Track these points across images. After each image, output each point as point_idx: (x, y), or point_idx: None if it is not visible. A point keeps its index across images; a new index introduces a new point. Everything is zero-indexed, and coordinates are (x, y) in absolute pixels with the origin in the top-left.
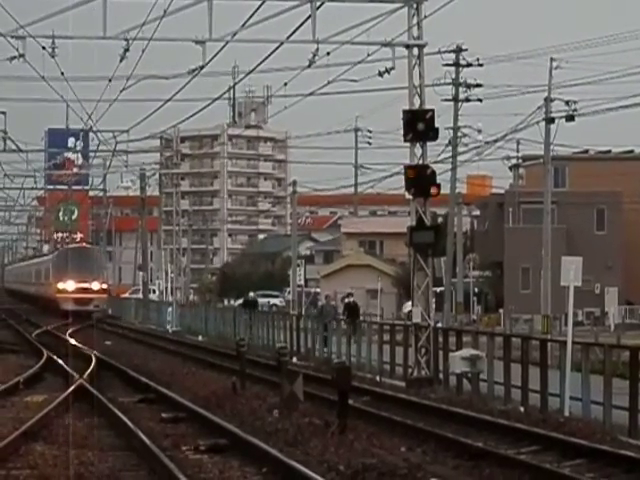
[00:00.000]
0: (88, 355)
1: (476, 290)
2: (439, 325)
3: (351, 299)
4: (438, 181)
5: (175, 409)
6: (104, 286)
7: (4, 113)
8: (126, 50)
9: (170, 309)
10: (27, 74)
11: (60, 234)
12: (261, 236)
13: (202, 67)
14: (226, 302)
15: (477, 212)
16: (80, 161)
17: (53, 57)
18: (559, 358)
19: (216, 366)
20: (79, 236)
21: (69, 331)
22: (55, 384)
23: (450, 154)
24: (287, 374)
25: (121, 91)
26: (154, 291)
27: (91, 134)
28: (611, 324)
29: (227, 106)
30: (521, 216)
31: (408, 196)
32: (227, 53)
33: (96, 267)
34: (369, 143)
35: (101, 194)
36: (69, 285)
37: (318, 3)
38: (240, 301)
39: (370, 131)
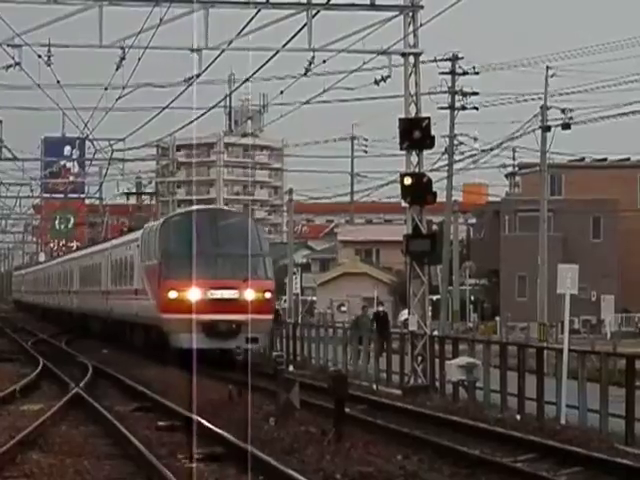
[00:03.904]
0: (84, 364)
1: (472, 298)
2: (435, 333)
3: (381, 308)
4: (434, 189)
5: (171, 417)
6: (268, 296)
7: (0, 121)
8: (122, 58)
9: None
10: (23, 82)
11: (56, 242)
12: None
13: (198, 75)
14: None
15: (473, 220)
16: (76, 169)
17: (49, 65)
18: (555, 366)
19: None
20: (75, 244)
21: (65, 340)
22: (51, 393)
23: (446, 162)
24: (283, 382)
25: (117, 99)
26: None
27: (87, 142)
28: (607, 332)
29: (223, 114)
30: (517, 224)
31: (404, 204)
32: (223, 61)
33: (256, 259)
34: (365, 151)
35: (97, 202)
36: (194, 294)
37: (314, 11)
38: None
39: (366, 139)
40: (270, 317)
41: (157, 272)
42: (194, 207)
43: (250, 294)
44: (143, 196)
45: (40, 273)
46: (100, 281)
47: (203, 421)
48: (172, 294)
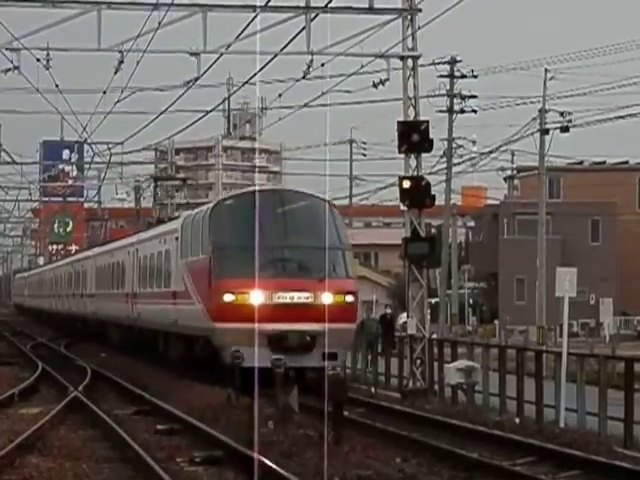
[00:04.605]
0: (83, 367)
1: (471, 301)
2: (434, 336)
3: (388, 311)
4: (433, 192)
5: (170, 421)
6: (350, 299)
7: None
8: (121, 62)
9: None
10: (22, 86)
11: (55, 246)
12: None
13: (197, 79)
14: None
15: (472, 223)
16: (75, 173)
17: (48, 69)
18: (554, 369)
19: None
20: (74, 248)
21: (63, 343)
22: (50, 396)
23: (445, 165)
24: (282, 386)
25: (116, 103)
26: None
27: (86, 146)
28: (606, 335)
29: (222, 118)
30: (516, 227)
31: (403, 207)
32: (222, 65)
33: (334, 252)
34: (364, 154)
35: (96, 206)
36: (256, 297)
37: (312, 15)
38: None
39: (365, 142)
40: (353, 326)
41: (206, 270)
42: (253, 188)
43: (327, 297)
44: (141, 199)
45: (46, 275)
46: (123, 282)
47: (201, 425)
48: (227, 297)
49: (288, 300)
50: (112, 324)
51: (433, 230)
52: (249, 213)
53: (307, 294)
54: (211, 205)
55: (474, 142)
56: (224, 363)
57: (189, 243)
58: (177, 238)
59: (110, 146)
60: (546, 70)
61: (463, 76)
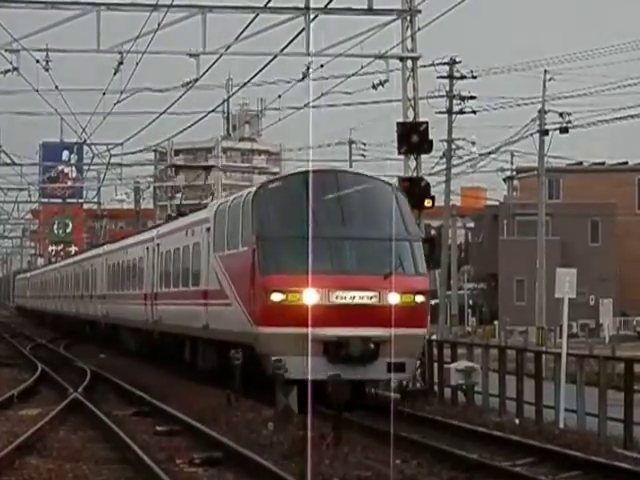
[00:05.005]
0: (82, 368)
1: (471, 302)
2: (434, 337)
3: None
4: (432, 193)
5: (170, 422)
6: (421, 300)
7: None
8: (120, 63)
9: None
10: (21, 87)
11: (54, 247)
12: None
13: (196, 80)
14: None
15: (471, 224)
16: (74, 174)
17: (47, 70)
18: (554, 370)
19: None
20: (74, 249)
21: (63, 344)
22: (50, 397)
23: (444, 166)
24: (282, 387)
25: (115, 104)
26: None
27: (85, 147)
28: (606, 336)
29: (221, 119)
30: (515, 228)
31: None
32: (221, 66)
33: (402, 245)
34: (363, 156)
35: (95, 207)
36: (310, 296)
37: (312, 16)
38: None
39: (364, 144)
40: (423, 332)
41: (248, 264)
42: (306, 168)
43: (394, 297)
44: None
45: (51, 275)
46: (141, 282)
47: (201, 426)
48: (276, 296)
49: (348, 300)
50: (127, 328)
51: (433, 231)
52: (300, 197)
53: (371, 293)
54: (254, 189)
55: (473, 143)
56: (269, 375)
57: (224, 234)
58: (208, 229)
59: (110, 147)
60: (545, 71)
61: (462, 77)
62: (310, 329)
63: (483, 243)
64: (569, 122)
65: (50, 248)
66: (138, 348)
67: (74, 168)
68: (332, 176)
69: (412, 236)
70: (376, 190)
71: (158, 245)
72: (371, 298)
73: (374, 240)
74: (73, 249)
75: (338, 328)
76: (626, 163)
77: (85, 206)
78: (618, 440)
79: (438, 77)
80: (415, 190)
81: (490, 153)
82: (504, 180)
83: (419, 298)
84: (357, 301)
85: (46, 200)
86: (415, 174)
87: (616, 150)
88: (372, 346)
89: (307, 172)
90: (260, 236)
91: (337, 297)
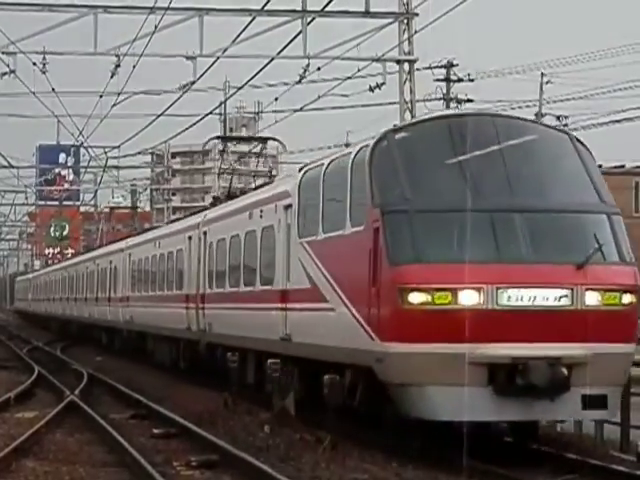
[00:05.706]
0: (79, 371)
1: None
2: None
3: None
4: None
5: (167, 425)
6: (629, 300)
7: None
8: (117, 66)
9: None
10: (18, 90)
11: (51, 249)
12: None
13: (193, 83)
14: None
15: None
16: (71, 177)
17: (44, 73)
18: None
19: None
20: (70, 252)
21: (59, 347)
22: (46, 400)
23: None
24: (278, 390)
25: (112, 107)
26: None
27: (82, 150)
28: None
29: (218, 121)
30: None
31: None
32: (218, 69)
33: (595, 220)
34: None
35: (92, 210)
36: (467, 297)
37: (309, 19)
38: None
39: None
40: (632, 348)
41: (365, 251)
42: (445, 112)
43: (592, 297)
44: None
45: (58, 275)
46: (181, 281)
47: (198, 429)
48: (414, 297)
49: (525, 302)
50: (160, 338)
51: None
52: (444, 152)
53: (560, 291)
54: (371, 142)
55: None
56: (400, 413)
57: (318, 212)
58: (288, 207)
59: (106, 150)
60: (542, 74)
61: (459, 80)
62: (469, 346)
63: None
64: (566, 125)
65: (47, 251)
66: (175, 361)
67: (71, 171)
68: (488, 123)
69: (609, 208)
70: (551, 142)
71: (205, 233)
72: (560, 299)
73: (557, 213)
74: (70, 252)
75: (512, 344)
76: (623, 166)
77: (82, 209)
78: (615, 443)
79: (435, 80)
80: None
81: None
82: None
83: (627, 298)
84: (539, 303)
85: (43, 203)
86: None
87: (613, 153)
88: (562, 370)
89: (450, 117)
90: (387, 209)
91: (509, 298)
